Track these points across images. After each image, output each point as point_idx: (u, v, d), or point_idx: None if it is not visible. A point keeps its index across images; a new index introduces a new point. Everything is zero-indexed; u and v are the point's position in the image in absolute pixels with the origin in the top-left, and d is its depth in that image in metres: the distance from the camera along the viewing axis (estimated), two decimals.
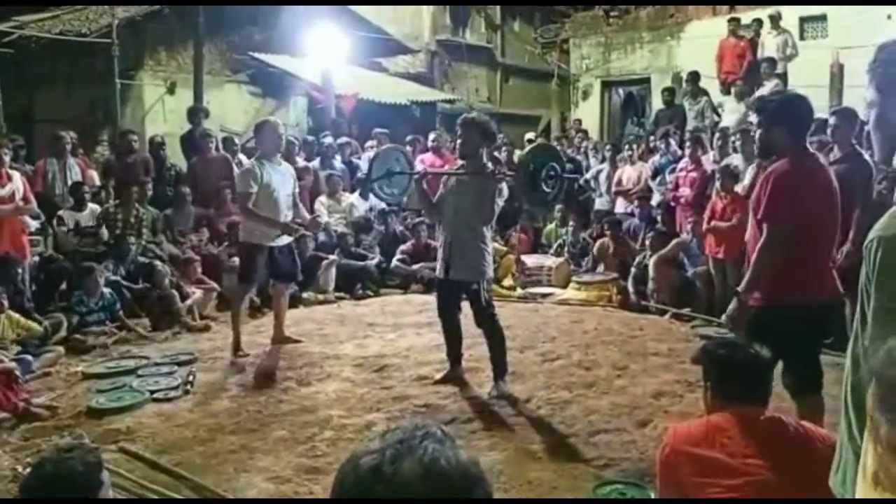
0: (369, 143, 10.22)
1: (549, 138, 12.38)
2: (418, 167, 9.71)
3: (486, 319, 4.78)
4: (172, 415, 4.48)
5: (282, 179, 5.58)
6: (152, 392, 4.79)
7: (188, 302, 6.78)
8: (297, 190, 5.85)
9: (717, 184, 7.23)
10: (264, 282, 6.09)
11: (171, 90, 11.55)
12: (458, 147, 4.90)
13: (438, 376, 5.02)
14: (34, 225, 6.90)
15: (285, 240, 5.67)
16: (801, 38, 12.27)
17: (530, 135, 11.67)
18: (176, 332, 6.51)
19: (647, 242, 7.68)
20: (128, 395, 4.75)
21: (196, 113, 9.36)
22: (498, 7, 19.14)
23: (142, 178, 7.99)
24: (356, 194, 9.13)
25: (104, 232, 7.21)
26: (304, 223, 5.86)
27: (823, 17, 12.62)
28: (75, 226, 7.27)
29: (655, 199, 8.71)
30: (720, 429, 2.21)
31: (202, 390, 4.92)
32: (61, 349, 5.72)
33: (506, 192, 4.75)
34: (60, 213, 7.31)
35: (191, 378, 5.05)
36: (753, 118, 3.21)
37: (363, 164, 9.68)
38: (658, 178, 8.77)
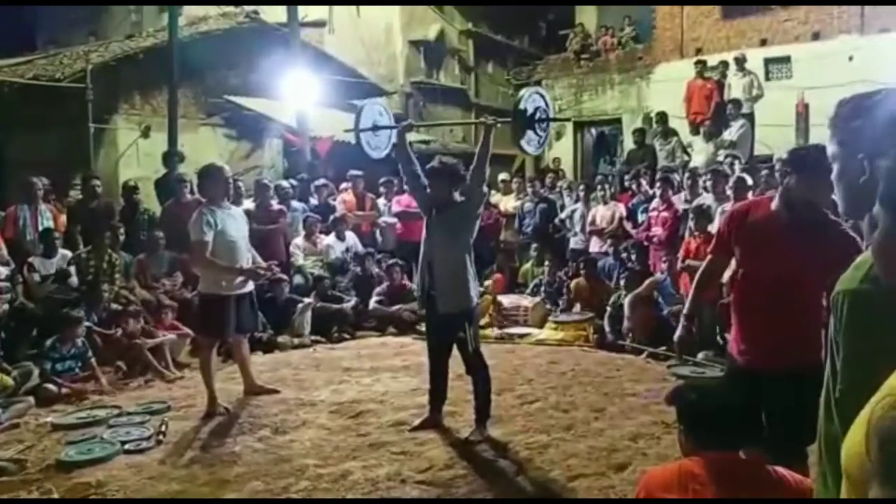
0: (343, 185, 10.24)
1: (523, 178, 12.47)
2: (394, 208, 9.84)
3: (477, 366, 4.77)
4: (144, 466, 4.38)
5: (236, 224, 5.41)
6: (123, 443, 4.68)
7: (157, 340, 6.69)
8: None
9: (691, 223, 7.35)
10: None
11: (145, 134, 11.55)
12: (432, 196, 4.88)
13: (416, 423, 4.97)
14: (4, 272, 6.80)
15: (248, 287, 5.51)
16: (767, 78, 12.62)
17: (504, 175, 11.77)
18: (148, 379, 6.41)
19: (622, 282, 7.74)
20: (98, 447, 4.63)
21: (171, 157, 9.35)
22: (471, 50, 19.46)
23: (106, 222, 7.89)
24: (332, 236, 9.13)
25: (74, 278, 7.11)
26: (262, 267, 5.64)
27: (787, 59, 13.02)
28: (54, 273, 7.17)
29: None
30: (692, 475, 2.22)
31: (175, 440, 4.82)
32: (31, 399, 5.60)
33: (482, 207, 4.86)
34: (31, 259, 7.21)
35: (163, 428, 4.95)
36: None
37: (339, 206, 9.72)
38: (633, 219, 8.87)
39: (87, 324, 6.58)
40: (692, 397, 2.46)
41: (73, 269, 7.30)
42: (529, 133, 4.73)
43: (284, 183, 9.62)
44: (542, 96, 5.00)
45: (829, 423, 1.58)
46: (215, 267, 5.27)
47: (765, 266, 3.04)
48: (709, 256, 3.57)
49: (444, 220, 4.77)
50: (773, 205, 3.09)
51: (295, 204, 9.40)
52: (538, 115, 4.76)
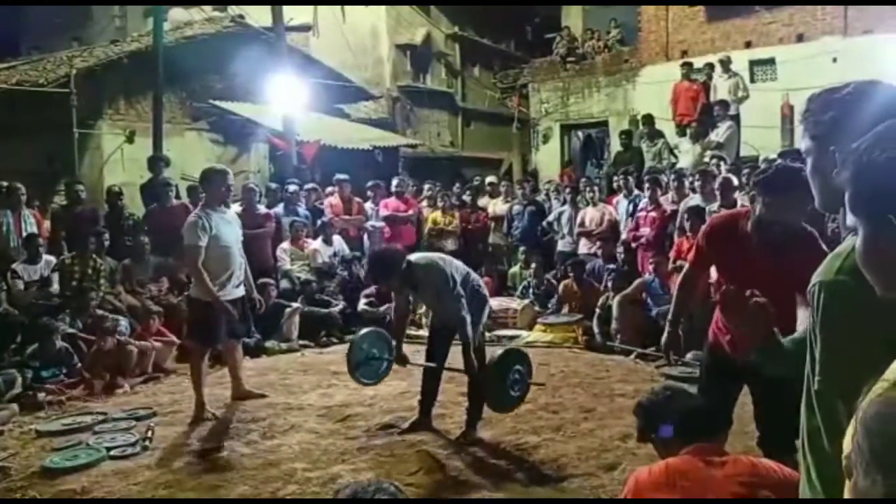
0: (329, 189, 10.20)
1: (511, 181, 12.49)
2: (382, 212, 9.81)
3: (476, 366, 4.70)
4: (130, 472, 4.33)
5: (231, 230, 5.37)
6: (109, 449, 4.63)
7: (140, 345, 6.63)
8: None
9: (686, 224, 7.29)
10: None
11: (130, 139, 11.45)
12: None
13: (405, 425, 4.94)
14: None
15: (240, 292, 5.44)
16: (752, 80, 12.70)
17: (491, 178, 11.78)
18: (133, 384, 6.34)
19: (609, 283, 7.74)
20: (83, 454, 4.58)
21: (156, 162, 9.28)
22: (458, 54, 19.50)
23: (91, 228, 7.82)
24: (319, 240, 9.09)
25: (56, 285, 7.05)
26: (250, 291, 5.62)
27: (772, 61, 13.12)
28: (38, 279, 7.10)
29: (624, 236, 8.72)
30: (680, 472, 2.21)
31: (161, 446, 4.77)
32: (15, 407, 5.53)
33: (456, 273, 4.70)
34: (14, 266, 7.14)
35: (149, 433, 4.90)
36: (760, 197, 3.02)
37: (326, 210, 9.68)
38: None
39: (70, 330, 6.52)
40: (661, 398, 2.51)
41: (56, 275, 7.24)
42: (504, 396, 4.63)
43: (292, 187, 9.49)
44: (523, 357, 4.84)
45: (810, 416, 1.57)
46: (201, 280, 5.18)
47: (744, 283, 3.03)
48: (687, 266, 3.59)
49: (423, 296, 4.87)
50: (748, 224, 3.08)
51: (300, 210, 9.34)
52: (512, 376, 4.64)
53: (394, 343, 4.94)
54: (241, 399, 5.67)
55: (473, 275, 4.99)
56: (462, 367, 4.70)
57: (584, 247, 9.11)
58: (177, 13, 13.56)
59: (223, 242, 5.25)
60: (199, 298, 5.35)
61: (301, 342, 7.80)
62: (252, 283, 5.75)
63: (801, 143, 1.70)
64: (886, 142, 1.13)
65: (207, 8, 13.69)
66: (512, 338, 7.92)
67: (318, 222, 9.32)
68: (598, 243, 8.88)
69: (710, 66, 11.97)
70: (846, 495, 0.98)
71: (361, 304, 8.41)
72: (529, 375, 4.75)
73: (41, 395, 5.73)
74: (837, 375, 1.44)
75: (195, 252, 5.14)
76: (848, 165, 1.17)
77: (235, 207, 8.40)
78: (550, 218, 9.72)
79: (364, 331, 5.21)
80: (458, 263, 4.92)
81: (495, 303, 8.58)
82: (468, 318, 4.57)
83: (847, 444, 1.04)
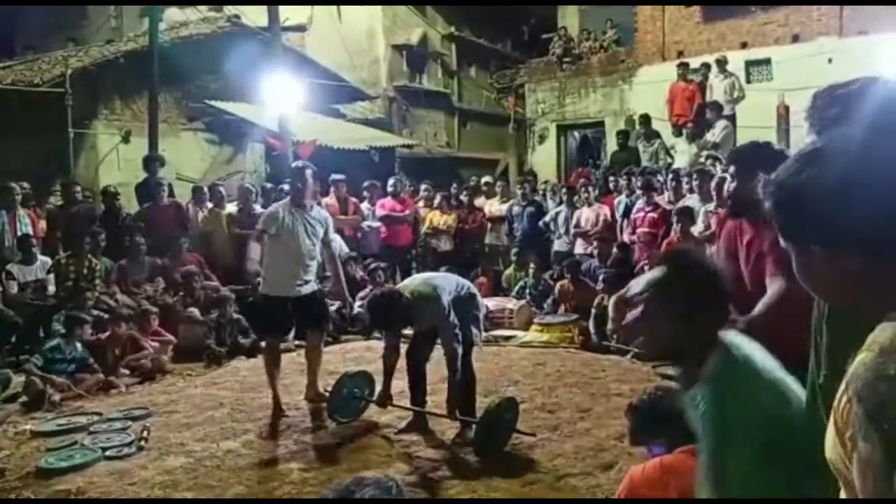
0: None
1: (507, 181, 12.49)
2: (378, 212, 9.79)
3: (462, 364, 4.73)
4: (125, 472, 4.32)
5: (307, 229, 5.37)
6: (104, 449, 4.62)
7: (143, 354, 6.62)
8: (330, 236, 5.64)
9: (676, 226, 7.32)
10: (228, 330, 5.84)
11: (125, 139, 11.45)
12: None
13: (402, 425, 4.94)
14: None
15: (309, 288, 5.44)
16: (748, 81, 12.71)
17: (487, 178, 11.76)
18: (129, 383, 6.33)
19: (600, 285, 7.76)
20: (79, 454, 4.57)
21: (151, 162, 9.27)
22: (454, 54, 19.49)
23: (86, 227, 7.80)
24: None
25: (52, 287, 7.04)
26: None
27: (768, 61, 13.12)
28: (32, 280, 7.09)
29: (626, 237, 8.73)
30: (674, 470, 2.22)
31: (157, 446, 4.75)
32: (10, 407, 5.52)
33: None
34: (9, 267, 7.11)
35: (145, 434, 4.89)
36: (729, 169, 3.02)
37: (323, 210, 9.65)
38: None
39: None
40: (653, 400, 2.52)
41: (51, 276, 7.22)
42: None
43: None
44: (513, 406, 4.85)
45: (814, 410, 1.57)
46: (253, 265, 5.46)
47: (732, 269, 3.07)
48: None
49: (421, 323, 4.88)
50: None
51: None
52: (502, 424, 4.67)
53: (381, 381, 4.98)
54: (312, 401, 5.53)
55: (463, 281, 5.06)
56: (448, 379, 4.73)
57: (580, 247, 9.11)
58: (173, 13, 13.54)
59: (291, 242, 5.36)
60: (264, 294, 5.47)
61: (296, 342, 7.76)
62: (345, 287, 6.02)
63: (806, 139, 1.70)
64: (792, 174, 1.12)
65: (203, 8, 13.67)
66: (508, 338, 7.92)
67: None
68: (595, 243, 8.88)
69: (707, 66, 11.99)
70: (854, 473, 0.98)
71: (356, 308, 8.37)
72: (515, 421, 4.72)
73: (50, 391, 5.68)
74: (842, 369, 1.44)
75: (257, 235, 5.46)
76: (767, 195, 1.16)
77: (231, 207, 8.41)
78: (547, 218, 9.72)
79: (353, 371, 5.37)
80: (450, 278, 5.00)
81: (492, 303, 8.59)
82: (459, 351, 4.64)
83: (832, 450, 1.04)
